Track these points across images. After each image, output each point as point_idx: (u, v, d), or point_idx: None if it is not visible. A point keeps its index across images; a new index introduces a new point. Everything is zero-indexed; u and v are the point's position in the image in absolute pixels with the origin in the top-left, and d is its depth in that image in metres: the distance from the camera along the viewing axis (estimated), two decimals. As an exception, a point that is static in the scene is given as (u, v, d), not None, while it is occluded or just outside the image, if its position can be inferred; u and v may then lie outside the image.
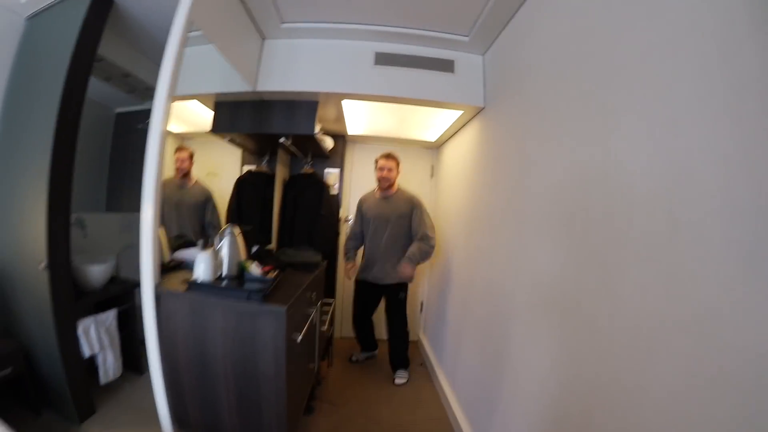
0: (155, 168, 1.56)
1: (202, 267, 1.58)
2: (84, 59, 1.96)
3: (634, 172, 0.97)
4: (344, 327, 3.77)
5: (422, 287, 3.75)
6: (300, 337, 1.56)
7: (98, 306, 2.28)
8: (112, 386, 2.36)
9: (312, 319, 1.90)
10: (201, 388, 1.54)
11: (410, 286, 3.05)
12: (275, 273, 1.75)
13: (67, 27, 1.93)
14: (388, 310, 3.07)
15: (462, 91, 2.34)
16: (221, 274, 1.66)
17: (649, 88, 0.94)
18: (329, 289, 3.33)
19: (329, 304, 2.90)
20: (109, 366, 2.27)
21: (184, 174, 2.30)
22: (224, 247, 1.70)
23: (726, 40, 0.73)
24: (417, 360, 3.33)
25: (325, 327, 2.51)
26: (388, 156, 2.93)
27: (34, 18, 2.13)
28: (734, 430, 0.67)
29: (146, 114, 3.10)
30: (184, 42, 1.63)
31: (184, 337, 1.51)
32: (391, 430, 2.30)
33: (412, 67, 2.32)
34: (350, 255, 3.08)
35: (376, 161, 2.97)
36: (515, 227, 1.74)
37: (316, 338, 2.03)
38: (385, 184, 2.92)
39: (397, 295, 2.99)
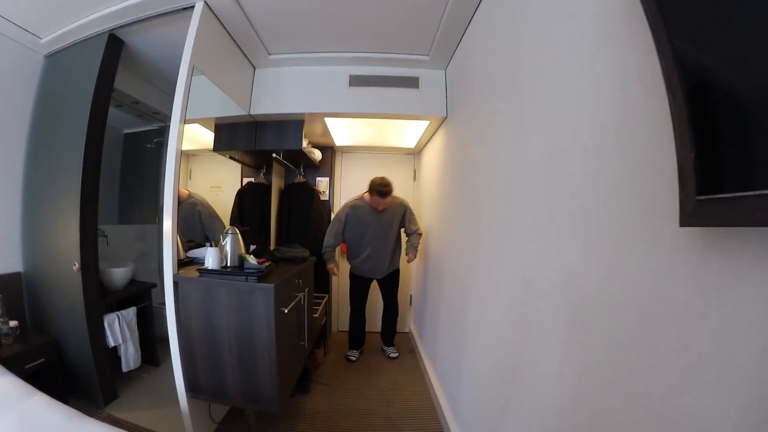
0: (172, 183, 1.91)
1: (210, 258, 1.97)
2: (104, 92, 2.33)
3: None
4: (341, 322, 4.13)
5: (412, 282, 4.10)
6: (287, 310, 1.92)
7: (120, 304, 2.63)
8: (133, 376, 2.70)
9: (300, 301, 2.26)
10: (210, 354, 1.89)
11: (401, 282, 3.54)
12: (268, 263, 2.10)
13: (87, 65, 2.30)
14: (386, 294, 3.48)
15: (426, 104, 2.72)
16: (226, 264, 2.02)
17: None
18: (323, 285, 3.62)
19: (321, 297, 3.25)
20: (130, 356, 2.61)
21: None
22: (228, 243, 2.07)
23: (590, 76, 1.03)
24: (407, 347, 3.68)
25: (317, 315, 2.86)
26: (385, 195, 3.07)
27: (51, 56, 2.50)
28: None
29: (152, 134, 3.56)
30: (190, 81, 1.99)
31: (197, 312, 1.88)
32: (378, 403, 2.63)
33: (382, 86, 2.72)
34: (329, 255, 3.27)
35: (371, 189, 3.12)
36: (469, 219, 2.09)
37: (306, 320, 2.37)
38: (380, 209, 3.17)
39: (394, 279, 3.43)
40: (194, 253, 2.36)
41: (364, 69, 2.72)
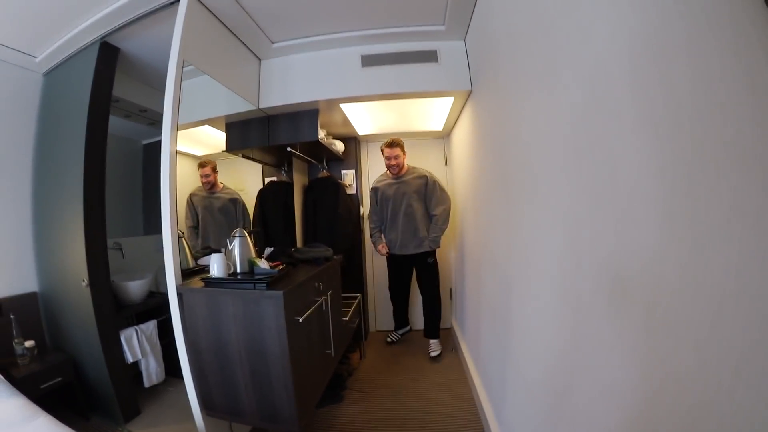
0: (168, 189, 1.79)
1: (215, 265, 1.78)
2: (101, 101, 2.25)
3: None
4: (379, 320, 3.94)
5: (451, 274, 3.79)
6: (302, 319, 1.70)
7: (140, 317, 2.53)
8: (157, 390, 2.59)
9: (322, 306, 2.04)
10: (221, 370, 1.71)
11: (440, 272, 3.35)
12: (282, 267, 1.90)
13: (82, 76, 2.22)
14: (420, 278, 3.32)
15: (447, 79, 2.43)
16: (234, 271, 1.84)
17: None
18: (355, 284, 3.49)
19: (353, 298, 3.05)
20: (152, 371, 2.49)
21: (211, 185, 2.46)
22: (236, 247, 1.87)
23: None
24: (449, 346, 3.41)
25: (347, 318, 2.65)
26: (391, 144, 3.08)
27: (50, 74, 2.47)
28: None
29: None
30: (180, 77, 1.82)
31: (204, 325, 1.71)
32: (416, 412, 2.38)
33: (397, 64, 2.44)
34: (376, 237, 3.32)
35: (382, 150, 3.15)
36: (506, 200, 1.78)
37: (330, 326, 2.15)
38: (395, 170, 3.15)
39: (425, 260, 3.22)
40: (206, 259, 2.19)
41: (377, 47, 2.46)
